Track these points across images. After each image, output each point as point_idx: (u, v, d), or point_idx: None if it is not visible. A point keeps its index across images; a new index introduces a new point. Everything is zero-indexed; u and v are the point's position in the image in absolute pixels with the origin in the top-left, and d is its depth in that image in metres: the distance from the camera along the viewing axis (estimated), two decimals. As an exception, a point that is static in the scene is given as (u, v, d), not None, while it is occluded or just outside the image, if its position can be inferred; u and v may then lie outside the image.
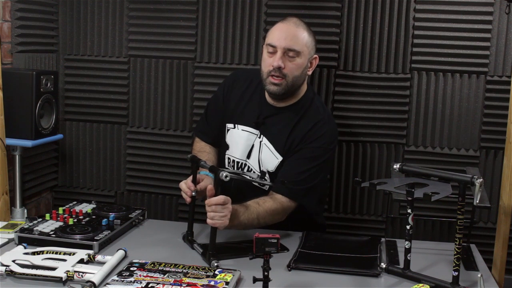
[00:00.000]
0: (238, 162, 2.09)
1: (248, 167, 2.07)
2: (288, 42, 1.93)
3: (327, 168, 2.09)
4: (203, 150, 2.15)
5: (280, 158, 2.01)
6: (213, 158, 2.13)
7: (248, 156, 2.06)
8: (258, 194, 1.95)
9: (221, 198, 1.69)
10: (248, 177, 1.85)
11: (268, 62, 1.96)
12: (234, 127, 2.10)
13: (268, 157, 2.03)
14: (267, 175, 2.04)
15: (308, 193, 1.99)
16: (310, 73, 2.05)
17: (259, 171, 2.05)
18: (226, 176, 1.66)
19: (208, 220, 1.70)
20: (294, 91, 2.02)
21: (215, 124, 2.16)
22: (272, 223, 1.92)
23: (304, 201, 2.00)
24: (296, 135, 2.00)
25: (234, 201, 1.79)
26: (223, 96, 2.16)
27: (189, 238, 1.86)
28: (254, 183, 2.05)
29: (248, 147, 2.06)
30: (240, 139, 2.07)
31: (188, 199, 1.85)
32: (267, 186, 2.03)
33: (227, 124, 2.12)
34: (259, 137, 2.05)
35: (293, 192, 1.94)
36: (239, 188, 1.98)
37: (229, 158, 2.11)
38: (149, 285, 1.44)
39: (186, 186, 1.85)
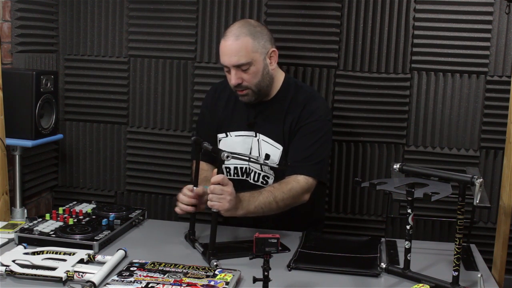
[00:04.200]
0: (241, 168, 2.09)
1: (251, 169, 2.08)
2: (234, 59, 1.93)
3: (329, 142, 2.11)
4: (201, 170, 2.03)
5: (281, 148, 2.02)
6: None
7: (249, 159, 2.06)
8: None
9: (219, 176, 1.71)
10: (249, 158, 1.86)
11: (228, 79, 1.99)
12: (226, 136, 2.10)
13: (269, 151, 2.03)
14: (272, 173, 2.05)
15: (321, 168, 2.01)
16: (274, 66, 2.04)
17: (260, 169, 2.06)
18: (227, 156, 1.68)
19: (208, 203, 1.72)
20: (268, 89, 2.04)
21: (209, 139, 2.09)
22: (295, 204, 1.92)
23: (321, 176, 2.01)
24: (293, 118, 2.02)
25: None
26: (209, 109, 2.16)
27: (190, 238, 1.86)
28: (255, 182, 2.07)
29: (247, 150, 2.06)
30: (236, 145, 2.07)
31: (189, 207, 1.83)
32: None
33: (218, 135, 2.12)
34: (256, 136, 2.06)
35: (306, 169, 1.94)
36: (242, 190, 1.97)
37: (228, 168, 2.10)
38: (149, 285, 1.44)
39: (188, 191, 1.83)
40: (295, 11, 2.57)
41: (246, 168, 2.08)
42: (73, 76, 2.83)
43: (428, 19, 2.49)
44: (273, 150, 2.03)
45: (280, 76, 2.08)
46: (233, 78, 1.95)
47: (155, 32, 2.72)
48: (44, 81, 2.39)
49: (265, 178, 2.06)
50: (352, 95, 2.59)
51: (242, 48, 1.93)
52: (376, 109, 2.58)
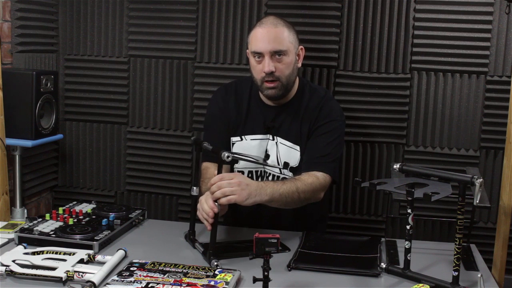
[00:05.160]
0: (256, 172, 2.08)
1: (269, 173, 2.07)
2: (272, 45, 1.92)
3: (343, 143, 2.11)
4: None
5: (299, 150, 2.02)
6: None
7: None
8: None
9: (216, 177, 1.69)
10: (251, 159, 1.85)
11: (259, 69, 1.96)
12: (241, 139, 2.08)
13: (287, 154, 2.03)
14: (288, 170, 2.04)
15: (336, 167, 2.01)
16: (300, 65, 2.05)
17: (279, 172, 2.05)
18: (228, 157, 1.67)
19: (222, 199, 1.67)
20: (291, 87, 2.04)
21: (221, 142, 2.06)
22: (312, 199, 1.92)
23: (336, 175, 2.01)
24: (310, 121, 2.02)
25: (244, 209, 1.78)
26: (222, 110, 2.09)
27: (191, 238, 1.86)
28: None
29: (262, 153, 2.05)
30: (252, 148, 2.05)
31: (210, 224, 1.72)
32: None
33: (231, 138, 2.09)
34: (273, 139, 2.05)
35: (324, 166, 1.95)
36: None
37: (242, 172, 2.07)
38: (149, 285, 1.44)
39: (208, 206, 1.72)
40: (295, 11, 2.57)
41: (261, 171, 2.07)
42: (73, 76, 2.83)
43: (428, 19, 2.49)
44: (292, 152, 2.03)
45: (297, 79, 2.08)
46: (267, 65, 1.92)
47: (155, 32, 2.72)
48: (44, 81, 2.39)
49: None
50: (352, 95, 2.59)
51: (280, 35, 1.94)
52: (376, 109, 2.58)
